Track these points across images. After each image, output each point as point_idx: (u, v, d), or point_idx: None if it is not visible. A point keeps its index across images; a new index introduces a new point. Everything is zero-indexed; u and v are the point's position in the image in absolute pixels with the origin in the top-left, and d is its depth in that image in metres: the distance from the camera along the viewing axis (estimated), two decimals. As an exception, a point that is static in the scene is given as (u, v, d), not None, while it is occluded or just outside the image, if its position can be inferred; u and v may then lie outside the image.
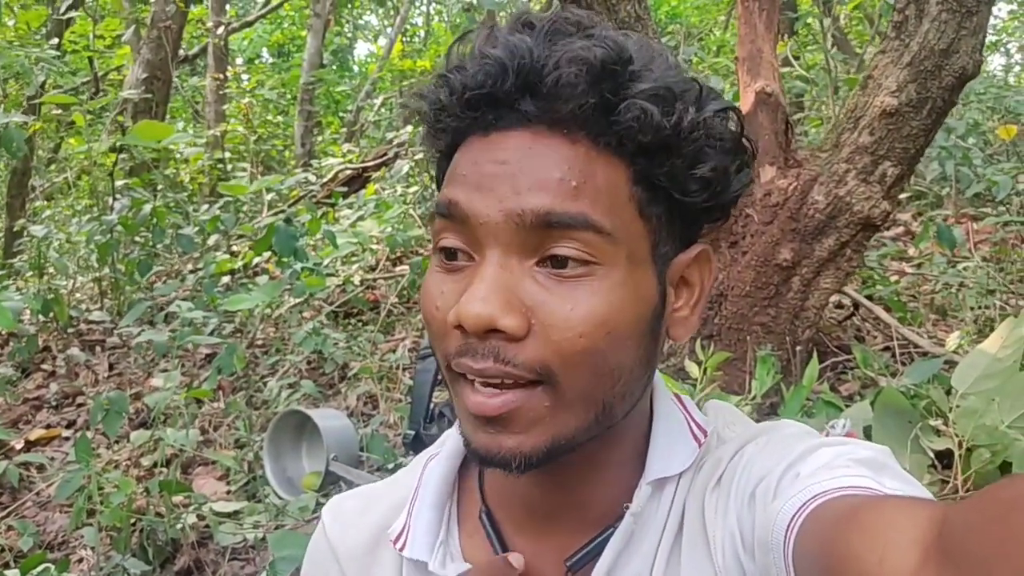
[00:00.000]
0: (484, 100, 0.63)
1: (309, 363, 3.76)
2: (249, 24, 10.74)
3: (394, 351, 3.63)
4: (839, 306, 3.30)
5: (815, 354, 2.36)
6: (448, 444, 0.79)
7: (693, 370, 2.16)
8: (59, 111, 6.19)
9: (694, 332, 0.70)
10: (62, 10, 6.79)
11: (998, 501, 0.39)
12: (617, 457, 0.71)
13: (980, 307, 3.18)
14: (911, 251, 3.94)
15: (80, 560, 2.76)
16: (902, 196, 4.34)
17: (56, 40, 6.82)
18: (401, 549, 0.75)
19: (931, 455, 1.98)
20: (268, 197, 5.13)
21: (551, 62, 0.61)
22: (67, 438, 3.57)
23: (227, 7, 9.23)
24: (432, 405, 1.64)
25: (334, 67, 12.89)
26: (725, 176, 0.66)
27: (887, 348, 2.89)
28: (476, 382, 0.61)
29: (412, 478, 0.80)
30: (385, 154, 6.08)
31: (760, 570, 0.60)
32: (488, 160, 0.63)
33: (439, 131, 0.67)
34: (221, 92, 8.01)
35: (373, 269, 4.72)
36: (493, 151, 0.63)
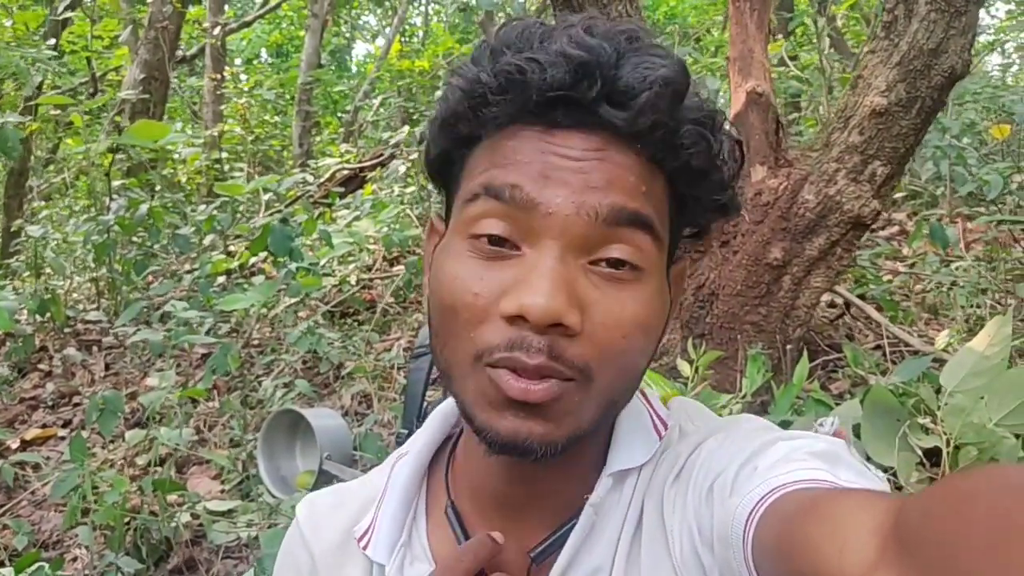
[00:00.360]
0: (563, 99, 0.62)
1: (304, 363, 3.77)
2: (247, 24, 10.74)
3: (389, 350, 3.64)
4: (831, 305, 3.30)
5: (806, 353, 2.37)
6: (418, 442, 0.80)
7: (685, 369, 2.17)
8: (57, 112, 6.20)
9: (666, 332, 0.72)
10: (59, 10, 6.80)
11: (955, 490, 0.39)
12: (584, 448, 0.72)
13: (971, 306, 3.19)
14: (905, 250, 3.95)
15: (74, 559, 2.77)
16: (897, 196, 4.35)
17: (54, 41, 6.83)
18: (365, 548, 0.75)
19: (919, 453, 1.99)
20: (265, 197, 5.14)
21: (634, 76, 0.62)
22: (63, 437, 3.58)
23: (225, 7, 9.24)
24: (425, 404, 1.65)
25: (332, 67, 12.89)
26: (735, 202, 0.70)
27: (878, 347, 2.90)
28: (517, 370, 0.61)
29: (381, 478, 0.81)
30: (382, 154, 6.09)
31: (719, 564, 0.61)
32: (556, 154, 0.63)
33: (486, 117, 0.65)
34: (219, 92, 8.02)
35: (369, 269, 4.73)
36: (561, 147, 0.63)
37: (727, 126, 0.69)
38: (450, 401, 0.78)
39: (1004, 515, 0.36)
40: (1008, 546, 0.34)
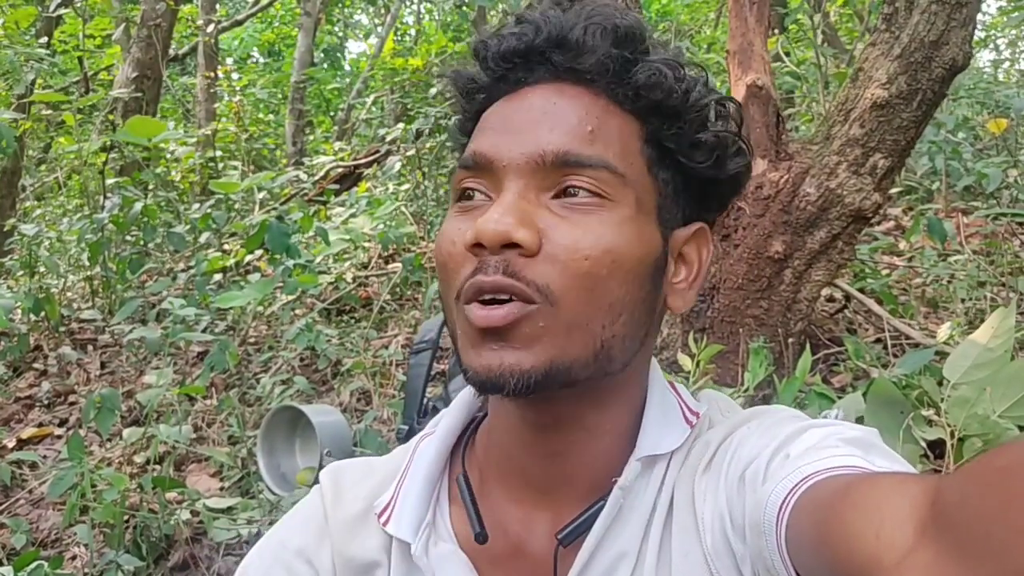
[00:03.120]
0: (517, 54, 0.70)
1: (302, 360, 3.75)
2: (239, 23, 10.71)
3: (387, 347, 3.62)
4: (831, 299, 3.30)
5: (807, 346, 2.37)
6: (442, 424, 0.80)
7: (686, 363, 2.17)
8: (49, 111, 6.16)
9: (690, 307, 0.73)
10: (51, 9, 6.76)
11: (992, 468, 0.39)
12: (609, 426, 0.72)
13: (971, 299, 3.19)
14: (902, 245, 3.95)
15: (73, 557, 2.75)
16: (893, 191, 4.35)
17: (46, 39, 6.79)
18: (385, 524, 0.74)
19: (923, 445, 1.99)
20: (260, 196, 5.12)
21: (579, 22, 0.69)
22: (59, 436, 3.55)
23: (217, 6, 9.21)
24: (425, 400, 1.64)
25: (325, 66, 12.87)
26: (725, 148, 0.71)
27: (879, 340, 2.90)
28: (483, 300, 0.64)
29: (404, 456, 0.80)
30: (377, 151, 6.07)
31: (751, 552, 0.61)
32: (516, 111, 0.69)
33: (474, 92, 0.74)
34: (212, 91, 7.99)
35: (365, 266, 4.72)
36: (521, 104, 0.70)
37: (708, 82, 0.72)
38: None
39: None
40: None
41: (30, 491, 3.10)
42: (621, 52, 0.68)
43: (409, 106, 7.01)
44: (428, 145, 5.40)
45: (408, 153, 5.42)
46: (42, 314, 4.20)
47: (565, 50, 0.69)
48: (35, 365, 4.20)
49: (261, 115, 9.40)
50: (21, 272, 5.01)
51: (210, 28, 7.97)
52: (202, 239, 4.74)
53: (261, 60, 15.02)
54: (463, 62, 0.75)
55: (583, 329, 0.65)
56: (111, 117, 6.50)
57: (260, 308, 3.98)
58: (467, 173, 0.69)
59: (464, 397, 0.81)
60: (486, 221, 0.63)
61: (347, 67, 14.25)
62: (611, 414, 0.72)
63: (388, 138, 5.68)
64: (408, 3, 12.08)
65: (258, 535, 2.48)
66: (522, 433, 0.72)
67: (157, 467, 2.93)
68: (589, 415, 0.72)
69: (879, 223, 4.28)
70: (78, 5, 7.41)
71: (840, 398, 2.21)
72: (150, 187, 5.35)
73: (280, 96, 9.77)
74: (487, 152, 0.68)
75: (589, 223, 0.65)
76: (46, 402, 3.87)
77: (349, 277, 4.45)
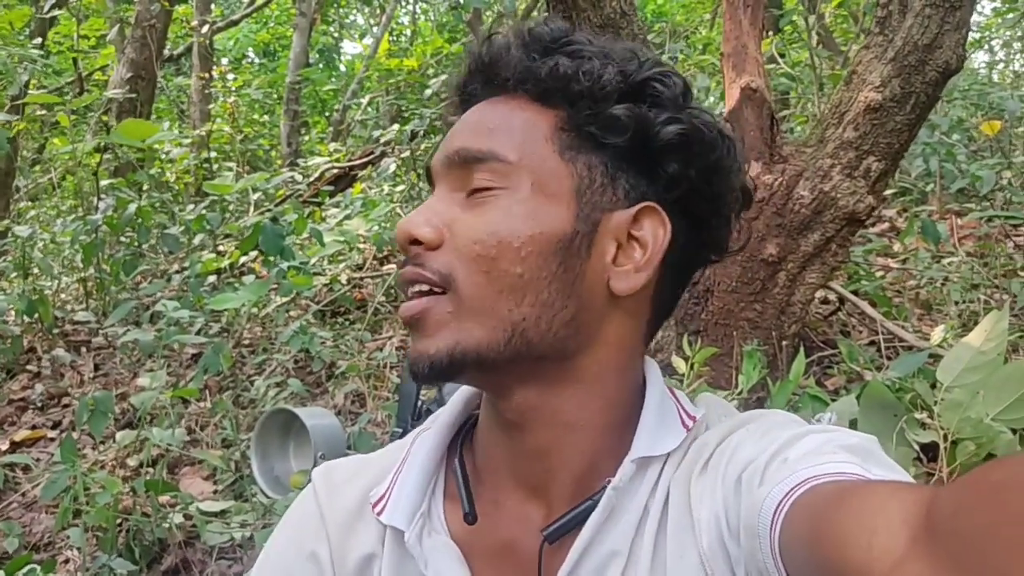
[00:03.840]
0: (464, 84, 0.80)
1: (296, 362, 3.75)
2: (235, 23, 10.69)
3: (381, 349, 3.62)
4: (825, 301, 3.31)
5: (801, 349, 2.37)
6: (440, 419, 0.81)
7: (680, 365, 2.16)
8: (43, 111, 6.15)
9: (635, 289, 0.73)
10: (45, 9, 6.74)
11: (987, 482, 0.39)
12: (587, 422, 0.73)
13: (964, 301, 3.20)
14: (896, 247, 3.96)
15: (66, 561, 2.75)
16: (887, 193, 4.36)
17: (40, 40, 6.78)
18: (379, 514, 0.76)
19: (916, 448, 1.99)
20: (255, 197, 5.11)
21: (504, 40, 0.76)
22: (52, 439, 3.54)
23: (212, 6, 9.19)
24: (419, 403, 1.64)
25: (320, 66, 12.85)
26: (646, 122, 0.72)
27: (872, 343, 2.90)
28: (408, 292, 0.72)
29: (401, 450, 0.82)
30: (372, 153, 6.06)
31: (745, 555, 0.61)
32: (460, 122, 0.77)
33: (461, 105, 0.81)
34: (206, 91, 7.98)
35: (360, 268, 4.71)
36: (467, 115, 0.77)
37: (652, 64, 0.75)
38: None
39: None
40: None
41: (23, 494, 3.10)
42: (530, 54, 0.74)
43: (404, 107, 7.02)
44: (423, 146, 5.40)
45: (403, 154, 5.41)
46: (36, 316, 4.18)
47: (490, 70, 0.76)
48: (28, 367, 4.19)
49: (256, 116, 9.39)
50: (15, 274, 4.99)
51: (205, 28, 7.96)
52: (196, 240, 4.73)
53: (256, 60, 15.01)
54: (458, 63, 0.84)
55: (487, 312, 0.69)
56: (105, 118, 6.48)
57: (254, 310, 3.97)
58: (431, 186, 0.77)
59: (463, 394, 0.83)
60: (400, 223, 0.72)
61: (342, 68, 14.23)
62: (587, 410, 0.73)
63: (383, 139, 5.67)
64: (403, 4, 12.08)
65: (251, 539, 2.48)
66: (500, 431, 0.75)
67: (150, 470, 2.93)
68: (562, 410, 0.73)
69: (873, 225, 4.28)
70: (72, 5, 7.40)
71: (834, 401, 2.21)
72: (144, 188, 5.34)
73: (275, 97, 9.76)
74: (432, 165, 0.76)
75: (484, 211, 0.71)
76: (39, 404, 3.86)
77: (344, 279, 4.45)
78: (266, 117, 9.70)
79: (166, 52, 8.22)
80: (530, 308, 0.69)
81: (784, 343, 2.59)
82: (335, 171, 6.12)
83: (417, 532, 0.74)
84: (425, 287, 0.70)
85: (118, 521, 2.60)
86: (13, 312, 4.27)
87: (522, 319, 0.69)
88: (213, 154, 7.00)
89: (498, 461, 0.76)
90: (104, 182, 5.24)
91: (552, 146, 0.72)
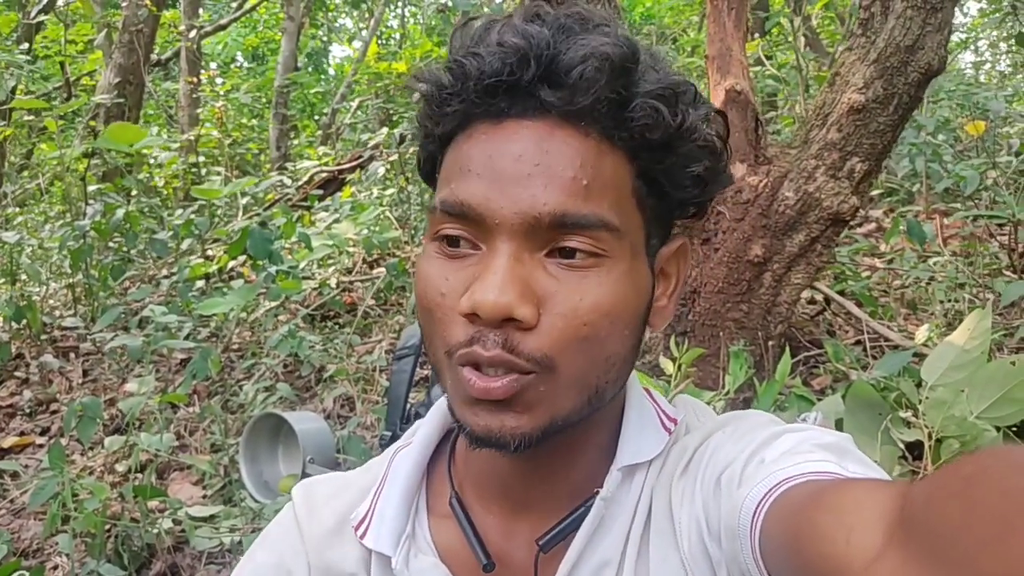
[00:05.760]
0: (503, 87, 0.63)
1: (285, 366, 3.74)
2: (223, 27, 10.68)
3: (370, 353, 3.62)
4: (811, 301, 3.32)
5: (787, 349, 2.38)
6: (419, 435, 0.80)
7: (667, 366, 2.17)
8: (31, 117, 6.13)
9: (668, 321, 0.72)
10: (33, 15, 6.73)
11: (958, 476, 0.40)
12: (592, 443, 0.73)
13: (950, 301, 3.22)
14: (882, 247, 3.98)
15: (55, 567, 2.74)
16: (873, 193, 4.38)
17: (27, 45, 6.76)
18: (362, 537, 0.74)
19: (901, 446, 2.01)
20: (243, 201, 5.10)
21: (572, 55, 0.62)
22: (41, 445, 3.53)
23: (200, 10, 9.18)
24: (408, 406, 1.64)
25: (309, 70, 12.84)
26: (714, 175, 0.69)
27: (858, 342, 2.92)
28: (479, 366, 0.62)
29: (381, 467, 0.80)
30: (361, 156, 6.06)
31: (727, 556, 0.61)
32: (502, 154, 0.63)
33: (444, 116, 0.67)
34: (195, 96, 7.97)
35: (349, 272, 4.71)
36: (507, 143, 0.64)
37: (702, 100, 0.68)
38: None
39: (1007, 496, 0.36)
40: (1011, 529, 0.34)
41: (11, 501, 3.09)
42: (617, 89, 0.63)
43: (393, 110, 7.01)
44: (412, 150, 5.40)
45: (392, 158, 5.41)
46: (23, 322, 4.17)
47: (557, 88, 0.62)
48: (16, 373, 4.18)
49: (245, 120, 9.37)
50: (2, 280, 4.98)
51: (192, 33, 7.94)
52: (185, 245, 4.72)
53: (245, 64, 14.99)
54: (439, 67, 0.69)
55: (579, 385, 0.64)
56: (93, 123, 6.47)
57: (243, 314, 3.97)
58: (451, 220, 0.65)
59: (440, 406, 0.80)
60: (485, 292, 0.60)
61: (331, 71, 14.23)
62: (593, 432, 0.73)
63: (372, 143, 5.67)
64: (392, 7, 12.07)
65: (240, 543, 2.48)
66: (504, 457, 0.72)
67: (139, 476, 2.92)
68: (577, 437, 0.72)
69: (860, 225, 4.30)
70: (60, 10, 7.38)
71: (820, 400, 2.22)
72: (132, 193, 5.32)
73: (264, 100, 9.75)
74: (476, 206, 0.63)
75: (587, 285, 0.63)
76: (28, 411, 3.84)
77: (333, 282, 4.44)
78: (255, 121, 9.68)
79: (154, 57, 8.21)
80: (615, 372, 0.67)
81: (770, 343, 2.60)
82: (324, 175, 6.12)
83: (404, 556, 0.72)
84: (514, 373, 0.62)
85: (107, 527, 2.59)
86: (1, 318, 4.26)
87: (605, 383, 0.66)
88: (201, 159, 6.99)
89: (485, 477, 0.75)
90: (92, 187, 5.22)
91: (633, 199, 0.66)
